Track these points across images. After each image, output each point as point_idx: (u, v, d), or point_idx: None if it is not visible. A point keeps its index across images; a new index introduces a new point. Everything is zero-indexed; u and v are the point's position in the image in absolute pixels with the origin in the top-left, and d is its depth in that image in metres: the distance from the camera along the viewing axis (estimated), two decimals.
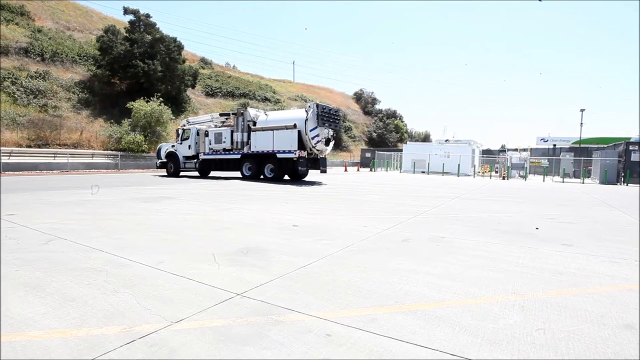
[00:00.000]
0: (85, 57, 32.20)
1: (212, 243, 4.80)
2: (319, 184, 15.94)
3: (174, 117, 30.73)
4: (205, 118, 20.46)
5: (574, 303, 3.05)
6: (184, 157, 19.36)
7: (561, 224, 7.23)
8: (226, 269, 3.76)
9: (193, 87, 37.60)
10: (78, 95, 28.72)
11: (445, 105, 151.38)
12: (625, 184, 23.92)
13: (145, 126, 27.69)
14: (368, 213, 7.89)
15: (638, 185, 23.14)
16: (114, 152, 26.20)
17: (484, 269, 3.98)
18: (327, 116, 15.70)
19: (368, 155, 45.53)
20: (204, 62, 51.57)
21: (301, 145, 15.40)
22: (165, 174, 20.01)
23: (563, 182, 26.01)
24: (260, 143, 16.63)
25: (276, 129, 16.05)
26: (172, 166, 19.60)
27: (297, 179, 17.40)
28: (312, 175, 19.90)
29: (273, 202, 9.33)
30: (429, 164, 32.29)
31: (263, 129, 16.61)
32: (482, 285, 3.46)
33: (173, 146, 19.98)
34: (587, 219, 7.97)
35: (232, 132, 17.78)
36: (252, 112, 17.65)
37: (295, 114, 16.25)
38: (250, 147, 17.08)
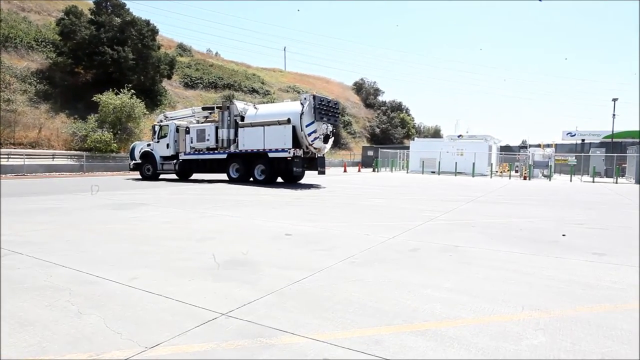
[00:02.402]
0: (43, 43, 32.07)
1: (193, 255, 4.78)
2: (317, 186, 15.91)
3: (147, 112, 30.65)
4: (185, 112, 20.35)
5: (608, 321, 3.07)
6: (161, 157, 19.23)
7: (592, 230, 7.27)
8: (210, 284, 3.74)
9: (170, 77, 37.56)
10: (35, 86, 28.57)
11: (458, 97, 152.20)
12: None
13: (115, 122, 27.59)
14: (371, 219, 7.90)
15: None
16: (78, 152, 26.07)
17: (504, 282, 3.99)
18: (325, 109, 15.64)
19: (370, 153, 45.68)
20: (182, 49, 51.55)
21: (296, 142, 15.27)
22: (140, 176, 19.90)
23: (593, 182, 26.19)
24: (249, 141, 16.52)
25: (267, 125, 15.95)
26: (150, 168, 19.50)
27: (292, 181, 17.32)
28: (309, 176, 19.86)
29: (263, 207, 9.32)
30: (439, 162, 32.42)
31: (252, 125, 16.51)
32: (502, 300, 3.47)
33: (149, 145, 19.85)
34: (621, 225, 8.03)
35: (216, 128, 17.68)
36: (239, 105, 17.57)
37: (289, 107, 16.19)
38: (237, 146, 16.99)
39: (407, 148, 39.95)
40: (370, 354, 2.48)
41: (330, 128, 16.24)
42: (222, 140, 17.40)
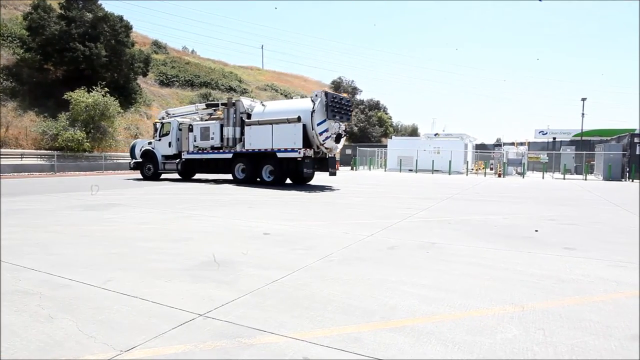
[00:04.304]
0: (10, 38, 30.90)
1: (170, 257, 4.71)
2: (329, 188, 15.04)
3: (122, 110, 29.93)
4: (188, 109, 19.77)
5: (578, 313, 3.17)
6: (163, 156, 18.60)
7: (563, 225, 7.50)
8: (187, 286, 3.69)
9: (144, 74, 36.79)
10: (2, 83, 27.52)
11: (435, 96, 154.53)
12: (631, 180, 25.06)
13: (87, 121, 26.85)
14: (350, 218, 7.95)
15: None
16: (48, 151, 25.27)
17: (480, 277, 4.08)
18: (337, 107, 15.01)
19: (348, 152, 45.82)
20: (157, 46, 50.61)
21: (306, 142, 14.55)
22: (141, 176, 19.24)
23: (564, 178, 27.03)
24: (256, 140, 15.76)
25: (276, 123, 15.20)
26: (150, 167, 18.90)
27: (301, 182, 16.63)
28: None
29: (240, 207, 9.26)
30: (417, 161, 32.85)
31: (260, 123, 15.77)
32: (478, 296, 3.54)
33: (150, 143, 19.24)
34: (590, 220, 8.31)
35: (221, 126, 16.96)
36: (245, 102, 16.85)
37: (300, 105, 15.52)
38: (244, 145, 16.24)
39: (385, 146, 40.33)
40: (349, 351, 2.50)
41: (343, 127, 15.65)
42: (228, 139, 16.62)
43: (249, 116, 16.38)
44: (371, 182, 19.94)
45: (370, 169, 38.39)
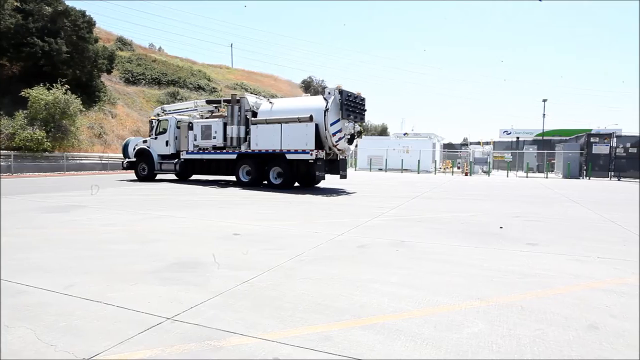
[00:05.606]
0: None
1: (137, 259, 4.58)
2: (342, 192, 14.17)
3: (84, 109, 28.85)
4: (187, 105, 18.72)
5: (539, 306, 3.30)
6: (159, 155, 17.57)
7: (526, 222, 7.79)
8: (154, 288, 3.61)
9: (109, 72, 35.61)
10: None
11: (404, 96, 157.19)
12: (588, 178, 26.37)
13: (47, 119, 25.72)
14: (319, 217, 7.97)
15: (601, 178, 25.59)
16: (4, 151, 24.08)
17: (447, 274, 4.18)
18: (352, 106, 14.17)
19: None
20: (122, 43, 49.06)
21: (318, 143, 13.66)
22: (136, 177, 18.26)
23: (527, 177, 28.08)
24: (263, 140, 14.76)
25: (285, 122, 14.24)
26: (145, 167, 17.85)
27: (310, 185, 15.72)
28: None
29: (214, 206, 9.13)
30: (386, 160, 33.29)
31: (267, 122, 14.74)
32: (445, 292, 3.63)
33: (145, 141, 18.18)
34: (552, 216, 8.68)
35: (225, 124, 15.92)
36: (251, 99, 15.88)
37: (312, 103, 14.52)
38: (249, 145, 15.23)
39: (355, 146, 40.64)
40: (320, 350, 2.51)
41: (357, 127, 14.89)
42: (231, 138, 15.43)
43: (254, 114, 15.37)
44: (341, 181, 20.06)
45: None
